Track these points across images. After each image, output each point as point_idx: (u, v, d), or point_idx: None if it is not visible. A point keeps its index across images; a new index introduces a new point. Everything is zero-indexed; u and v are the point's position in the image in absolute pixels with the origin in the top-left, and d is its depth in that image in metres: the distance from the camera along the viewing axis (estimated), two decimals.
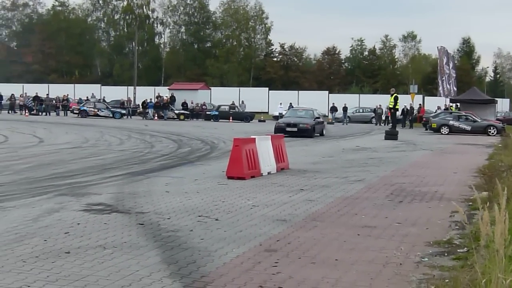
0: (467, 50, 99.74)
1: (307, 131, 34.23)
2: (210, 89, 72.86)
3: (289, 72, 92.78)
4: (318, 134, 36.22)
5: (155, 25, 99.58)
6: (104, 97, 65.69)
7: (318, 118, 36.85)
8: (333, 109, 62.23)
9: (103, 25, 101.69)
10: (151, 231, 9.00)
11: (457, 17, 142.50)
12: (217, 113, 58.36)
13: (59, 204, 11.07)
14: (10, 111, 62.13)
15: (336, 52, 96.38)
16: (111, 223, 9.51)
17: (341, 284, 6.56)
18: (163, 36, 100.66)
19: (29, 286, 6.26)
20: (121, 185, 13.92)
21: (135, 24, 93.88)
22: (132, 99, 65.96)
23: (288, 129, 33.87)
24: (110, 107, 58.82)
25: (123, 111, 59.44)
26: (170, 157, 21.09)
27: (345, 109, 60.70)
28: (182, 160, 20.19)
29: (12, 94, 65.02)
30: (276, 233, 9.01)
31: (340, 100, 63.70)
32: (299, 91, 74.87)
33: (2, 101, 63.48)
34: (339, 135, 38.75)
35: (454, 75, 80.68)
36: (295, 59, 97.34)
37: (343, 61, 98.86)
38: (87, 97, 66.27)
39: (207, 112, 59.79)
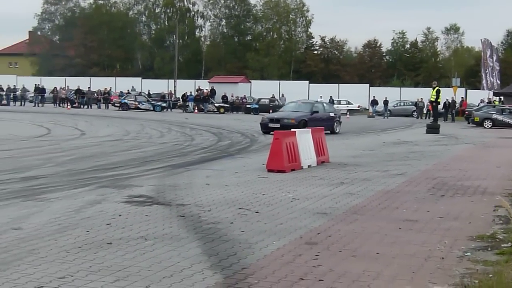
0: None
1: (292, 127, 27.14)
2: (250, 82, 72.79)
3: (330, 65, 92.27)
4: (328, 130, 29.75)
5: (196, 18, 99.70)
6: (149, 90, 65.88)
7: (317, 112, 30.73)
8: (374, 102, 61.79)
9: (144, 19, 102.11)
10: (191, 223, 9.05)
11: (501, 8, 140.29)
12: (257, 106, 58.35)
13: (101, 196, 11.19)
14: (55, 104, 62.93)
15: (377, 45, 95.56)
16: (152, 215, 9.58)
17: (382, 278, 6.51)
18: (203, 29, 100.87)
19: (72, 276, 6.34)
20: (162, 177, 14.02)
21: (175, 17, 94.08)
22: (173, 92, 66.28)
23: (271, 125, 28.88)
24: (150, 100, 59.20)
25: (164, 104, 59.80)
26: (210, 150, 21.17)
27: (386, 102, 60.26)
28: (222, 153, 20.25)
29: (55, 87, 65.85)
30: (316, 226, 8.99)
31: (381, 93, 63.21)
32: (340, 84, 74.34)
33: (45, 94, 64.29)
34: (379, 129, 38.49)
35: (498, 68, 79.64)
36: (336, 52, 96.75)
37: (384, 54, 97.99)
38: (128, 90, 66.77)
39: (247, 105, 59.87)
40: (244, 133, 29.41)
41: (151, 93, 64.90)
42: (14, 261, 6.83)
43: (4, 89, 65.23)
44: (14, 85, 68.11)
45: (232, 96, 62.61)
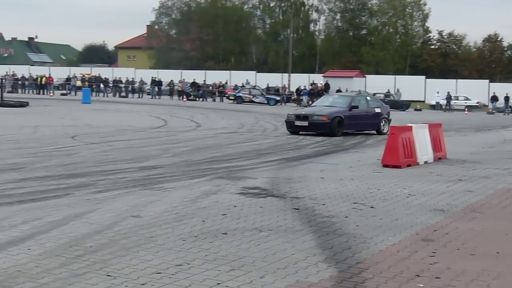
0: None
1: (323, 126, 24.08)
2: (365, 76, 72.11)
3: (448, 60, 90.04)
4: (373, 130, 26.27)
5: (310, 12, 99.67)
6: (268, 84, 66.17)
7: (357, 107, 25.41)
8: (494, 98, 59.91)
9: (259, 13, 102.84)
10: (306, 216, 9.03)
11: None
12: None
13: (216, 187, 11.34)
14: (171, 97, 64.35)
15: (498, 39, 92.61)
16: (267, 206, 9.63)
17: (504, 278, 6.28)
18: (318, 23, 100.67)
19: (188, 264, 6.45)
20: (277, 170, 14.08)
21: (290, 11, 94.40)
22: (286, 86, 66.48)
23: (298, 123, 24.45)
24: (265, 94, 59.56)
25: (278, 98, 60.03)
26: (324, 144, 21.10)
27: (507, 98, 58.30)
28: (337, 147, 20.15)
29: (171, 80, 67.32)
30: (433, 222, 8.79)
31: (502, 89, 61.17)
32: (458, 80, 72.60)
33: (162, 87, 65.83)
34: (500, 126, 37.25)
35: None
36: (454, 47, 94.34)
37: (505, 49, 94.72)
38: (242, 83, 67.45)
39: None
40: None
41: (263, 86, 65.23)
42: (133, 247, 7.02)
43: (123, 82, 67.29)
44: (133, 78, 70.15)
45: (346, 91, 62.11)
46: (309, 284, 5.97)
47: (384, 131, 25.55)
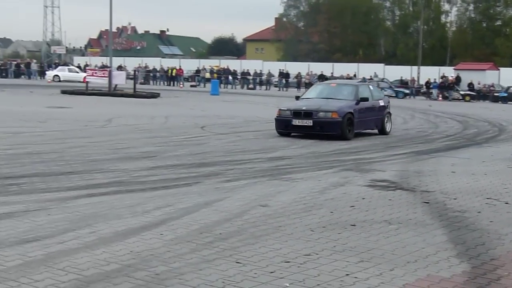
0: None
1: (333, 126, 18.19)
2: (498, 69, 69.74)
3: None
4: (377, 129, 20.60)
5: (442, 3, 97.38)
6: (401, 77, 65.07)
7: (366, 100, 19.54)
8: None
9: (388, 4, 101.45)
10: (436, 210, 8.82)
11: None
12: (506, 94, 55.64)
13: (344, 179, 11.27)
14: (298, 89, 64.53)
15: None
16: (396, 199, 9.47)
17: None
18: (449, 14, 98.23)
19: (317, 254, 6.43)
20: (406, 163, 13.85)
21: (421, 2, 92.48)
22: (415, 79, 65.29)
23: (297, 122, 18.47)
24: (393, 87, 58.72)
25: (406, 91, 59.07)
26: (455, 138, 20.57)
27: None
28: (468, 141, 19.58)
29: (299, 72, 67.51)
30: None
31: None
32: None
33: (289, 79, 66.06)
34: None
35: None
36: None
37: None
38: (370, 76, 66.77)
39: (495, 94, 57.30)
40: (491, 122, 28.17)
41: (402, 79, 64.22)
42: (262, 236, 7.07)
43: (251, 74, 68.06)
44: (260, 70, 70.81)
45: (478, 84, 60.35)
46: (441, 278, 5.81)
47: (388, 130, 20.86)
